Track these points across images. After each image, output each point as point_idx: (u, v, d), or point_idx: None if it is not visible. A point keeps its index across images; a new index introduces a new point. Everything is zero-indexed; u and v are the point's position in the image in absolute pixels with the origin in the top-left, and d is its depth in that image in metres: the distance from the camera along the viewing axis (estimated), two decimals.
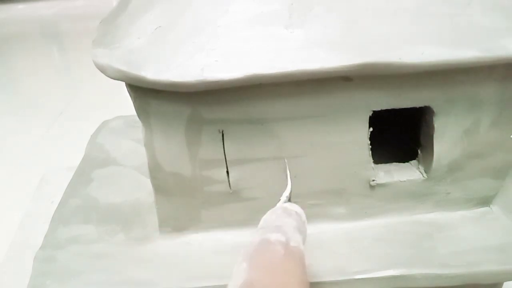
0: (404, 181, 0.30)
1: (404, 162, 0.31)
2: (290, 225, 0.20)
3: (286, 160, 0.28)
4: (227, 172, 0.28)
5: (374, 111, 0.27)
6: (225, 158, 0.28)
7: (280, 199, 0.25)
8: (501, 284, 0.31)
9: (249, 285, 0.17)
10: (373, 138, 0.28)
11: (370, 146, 0.28)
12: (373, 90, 0.26)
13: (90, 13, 1.37)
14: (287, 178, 0.27)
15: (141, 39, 0.25)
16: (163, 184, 0.29)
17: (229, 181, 0.29)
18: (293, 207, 0.22)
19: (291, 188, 0.26)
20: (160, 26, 0.25)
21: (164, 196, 0.30)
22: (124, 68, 0.24)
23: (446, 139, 0.28)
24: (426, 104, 0.27)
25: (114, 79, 0.26)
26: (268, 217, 0.21)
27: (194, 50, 0.24)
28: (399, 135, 0.34)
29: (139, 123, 0.28)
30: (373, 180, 0.29)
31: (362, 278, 0.27)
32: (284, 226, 0.20)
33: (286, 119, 0.27)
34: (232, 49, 0.24)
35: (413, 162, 0.31)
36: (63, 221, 0.33)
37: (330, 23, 0.24)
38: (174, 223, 0.31)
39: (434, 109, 0.27)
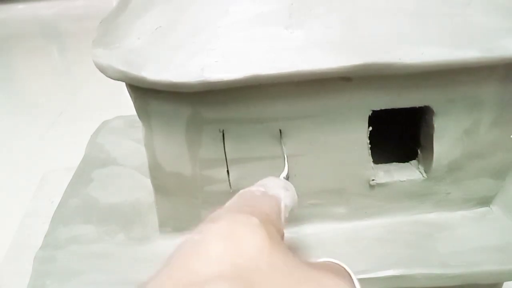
0: (404, 181, 0.30)
1: (404, 162, 0.31)
2: (276, 183, 0.22)
3: (283, 145, 0.28)
4: (228, 171, 0.28)
5: (373, 111, 0.27)
6: (226, 158, 0.28)
7: None
8: (501, 284, 0.31)
9: (225, 208, 0.19)
10: (373, 138, 0.28)
11: (370, 146, 0.28)
12: (373, 90, 0.26)
13: (90, 13, 1.38)
14: (284, 161, 0.28)
15: (141, 39, 0.25)
16: (163, 184, 0.29)
17: (229, 180, 0.29)
18: (282, 179, 0.24)
19: (288, 170, 0.27)
20: (160, 26, 0.25)
21: (164, 196, 0.30)
22: (124, 68, 0.24)
23: (446, 139, 0.28)
24: (426, 104, 0.27)
25: (114, 79, 0.26)
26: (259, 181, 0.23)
27: (194, 50, 0.24)
28: (399, 135, 0.34)
29: (139, 123, 0.28)
30: (373, 180, 0.29)
31: (362, 278, 0.27)
32: (269, 183, 0.22)
33: (286, 119, 0.27)
34: (232, 50, 0.24)
35: (413, 162, 0.31)
36: (63, 221, 0.33)
37: (330, 23, 0.24)
38: (174, 223, 0.31)
39: (434, 109, 0.27)
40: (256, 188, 0.21)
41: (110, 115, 0.47)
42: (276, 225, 0.18)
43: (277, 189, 0.21)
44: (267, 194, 0.20)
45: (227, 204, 0.20)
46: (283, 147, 0.27)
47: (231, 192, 0.29)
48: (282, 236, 0.19)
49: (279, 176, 0.27)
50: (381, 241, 0.29)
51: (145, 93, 0.26)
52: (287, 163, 0.27)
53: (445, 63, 0.24)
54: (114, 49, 0.26)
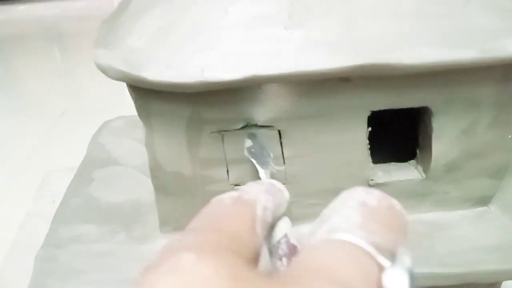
0: (403, 180, 0.30)
1: (402, 162, 0.31)
2: (255, 187, 0.19)
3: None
4: (227, 171, 0.28)
5: (373, 111, 0.27)
6: (225, 158, 0.28)
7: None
8: (499, 283, 0.31)
9: (186, 229, 0.16)
10: (372, 138, 0.28)
11: (369, 146, 0.28)
12: (372, 91, 0.26)
13: (92, 14, 1.38)
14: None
15: (142, 39, 0.26)
16: (164, 183, 0.29)
17: (229, 180, 0.29)
18: (268, 180, 0.21)
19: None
20: (160, 27, 0.26)
21: (165, 195, 0.30)
22: (125, 68, 0.25)
23: (444, 139, 0.28)
24: (425, 105, 0.27)
25: (115, 79, 0.26)
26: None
27: (194, 51, 0.24)
28: (398, 135, 0.34)
29: (140, 123, 0.28)
30: (372, 180, 0.29)
31: None
32: (247, 187, 0.19)
33: (286, 119, 0.27)
34: (232, 50, 0.24)
35: (412, 162, 0.31)
36: (64, 221, 0.33)
37: (329, 24, 0.25)
38: (175, 222, 0.31)
39: (433, 110, 0.27)
40: (229, 195, 0.18)
41: (112, 115, 0.47)
42: (246, 243, 0.15)
43: (255, 192, 0.18)
44: (240, 200, 0.17)
45: (191, 224, 0.16)
46: (282, 147, 0.28)
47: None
48: (257, 251, 0.16)
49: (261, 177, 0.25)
50: None
51: (146, 93, 0.26)
52: (285, 163, 0.27)
53: (443, 63, 0.24)
54: (114, 49, 0.26)
